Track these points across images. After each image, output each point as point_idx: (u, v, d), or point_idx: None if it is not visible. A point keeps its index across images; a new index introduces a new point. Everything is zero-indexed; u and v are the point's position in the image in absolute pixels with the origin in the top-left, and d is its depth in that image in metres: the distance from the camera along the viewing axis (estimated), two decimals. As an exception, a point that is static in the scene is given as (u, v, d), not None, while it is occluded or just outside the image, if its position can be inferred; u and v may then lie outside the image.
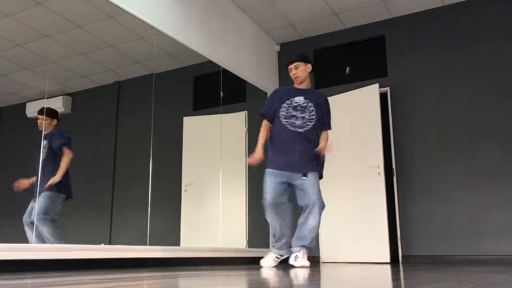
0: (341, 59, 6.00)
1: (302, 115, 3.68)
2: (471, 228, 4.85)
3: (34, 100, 4.88)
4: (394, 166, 5.33)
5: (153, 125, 4.68)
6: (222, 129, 5.54)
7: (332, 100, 5.77)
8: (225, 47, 5.17)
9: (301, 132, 3.66)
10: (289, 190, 3.73)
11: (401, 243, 5.13)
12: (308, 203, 3.60)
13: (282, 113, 3.72)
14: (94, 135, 5.51)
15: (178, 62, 5.70)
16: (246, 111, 5.83)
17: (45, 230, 3.79)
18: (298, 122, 3.67)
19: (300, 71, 3.75)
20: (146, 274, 2.53)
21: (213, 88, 5.79)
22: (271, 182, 3.66)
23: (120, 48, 5.13)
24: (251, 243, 5.41)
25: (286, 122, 3.69)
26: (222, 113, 5.60)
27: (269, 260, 3.77)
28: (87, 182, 5.39)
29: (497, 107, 4.95)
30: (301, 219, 3.67)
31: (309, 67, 3.80)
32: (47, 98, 4.25)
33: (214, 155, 5.47)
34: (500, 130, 4.90)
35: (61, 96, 5.07)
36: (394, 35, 5.65)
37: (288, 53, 6.27)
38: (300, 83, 3.79)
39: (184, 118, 5.78)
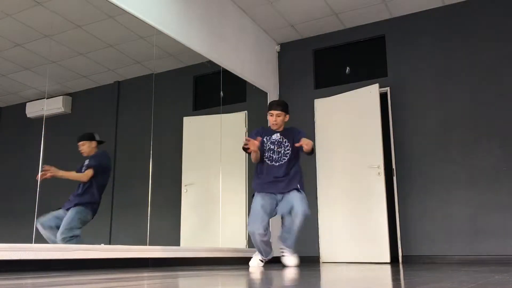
0: (341, 59, 6.00)
1: (279, 149, 3.97)
2: (471, 228, 4.84)
3: (34, 100, 4.88)
4: (394, 166, 5.33)
5: (153, 125, 4.68)
6: (222, 129, 5.54)
7: (332, 100, 5.79)
8: (225, 47, 5.16)
9: (277, 164, 3.95)
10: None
11: (401, 243, 5.13)
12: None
13: (262, 147, 4.00)
14: (94, 135, 5.50)
15: (178, 62, 5.70)
16: (246, 111, 5.83)
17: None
18: (275, 156, 3.97)
19: (280, 120, 3.99)
20: (146, 274, 2.53)
21: (213, 88, 5.79)
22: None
23: (120, 48, 5.13)
24: (251, 243, 5.41)
25: (265, 155, 3.98)
26: (222, 113, 5.60)
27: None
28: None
29: (497, 107, 4.95)
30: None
31: (287, 117, 4.04)
32: (47, 98, 4.25)
33: (214, 155, 5.47)
34: (500, 130, 4.90)
35: (61, 96, 5.07)
36: (394, 35, 5.65)
37: (288, 53, 6.27)
38: (276, 129, 4.05)
39: (184, 118, 5.78)
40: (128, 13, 3.95)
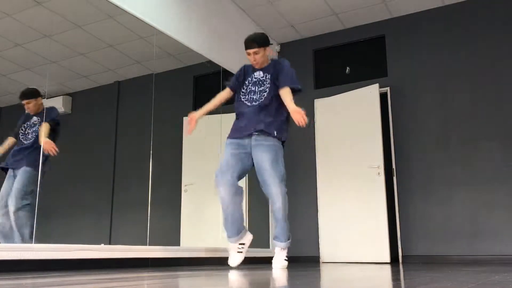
0: (341, 59, 6.00)
1: (260, 88, 3.54)
2: (471, 228, 4.84)
3: (34, 100, 4.87)
4: (394, 166, 5.33)
5: (153, 125, 4.68)
6: (222, 129, 5.54)
7: (332, 100, 5.79)
8: (225, 47, 5.16)
9: (257, 104, 3.49)
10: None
11: (401, 243, 5.13)
12: None
13: (242, 90, 3.63)
14: (94, 135, 5.51)
15: (178, 62, 5.70)
16: (246, 111, 5.82)
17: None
18: (255, 97, 3.52)
19: (259, 57, 3.58)
20: (146, 274, 2.53)
21: (213, 88, 5.79)
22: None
23: (120, 48, 5.14)
24: (251, 243, 5.40)
25: (244, 98, 3.57)
26: (222, 113, 5.60)
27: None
28: (87, 182, 5.39)
29: (497, 107, 4.95)
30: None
31: (268, 50, 3.62)
32: (47, 98, 4.25)
33: (214, 155, 5.46)
34: (500, 130, 4.90)
35: (61, 96, 5.08)
36: (394, 35, 5.65)
37: (288, 53, 6.27)
38: (259, 67, 3.66)
39: (184, 118, 5.78)
40: (128, 13, 3.95)
